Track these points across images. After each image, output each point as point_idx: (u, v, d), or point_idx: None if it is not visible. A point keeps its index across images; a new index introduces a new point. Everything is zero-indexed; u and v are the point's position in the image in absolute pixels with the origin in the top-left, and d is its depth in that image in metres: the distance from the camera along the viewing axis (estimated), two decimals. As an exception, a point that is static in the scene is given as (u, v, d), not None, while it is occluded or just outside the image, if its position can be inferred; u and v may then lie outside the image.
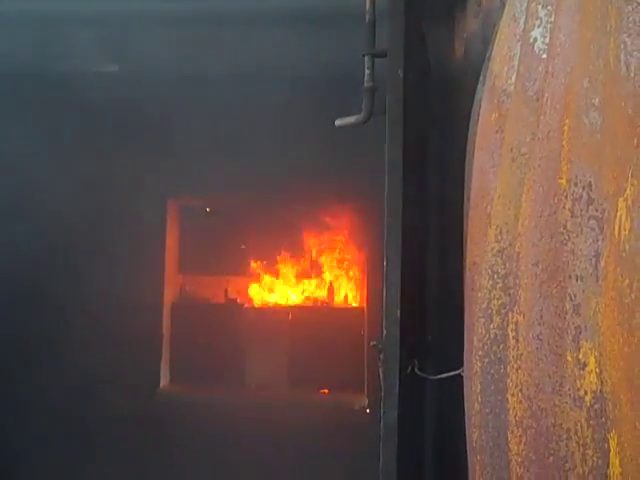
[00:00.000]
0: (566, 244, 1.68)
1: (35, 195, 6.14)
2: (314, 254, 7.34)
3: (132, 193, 6.30)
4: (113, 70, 6.28)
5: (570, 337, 1.65)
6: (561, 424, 1.68)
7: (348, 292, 7.27)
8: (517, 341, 1.83)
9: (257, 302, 7.31)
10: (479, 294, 2.05)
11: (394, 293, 3.79)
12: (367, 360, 6.24)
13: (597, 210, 1.62)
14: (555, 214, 1.72)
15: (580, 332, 1.63)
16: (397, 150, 3.84)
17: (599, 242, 1.61)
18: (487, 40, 3.14)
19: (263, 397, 6.70)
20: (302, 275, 7.35)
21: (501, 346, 1.95)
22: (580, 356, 1.62)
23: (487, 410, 2.01)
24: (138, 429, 6.18)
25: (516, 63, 2.04)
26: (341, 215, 7.11)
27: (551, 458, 1.71)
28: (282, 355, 6.89)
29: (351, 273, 7.29)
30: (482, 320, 2.02)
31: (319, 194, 6.46)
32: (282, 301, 7.31)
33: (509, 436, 1.86)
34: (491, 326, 1.99)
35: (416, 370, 3.92)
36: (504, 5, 2.23)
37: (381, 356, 3.84)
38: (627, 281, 1.47)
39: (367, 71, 4.26)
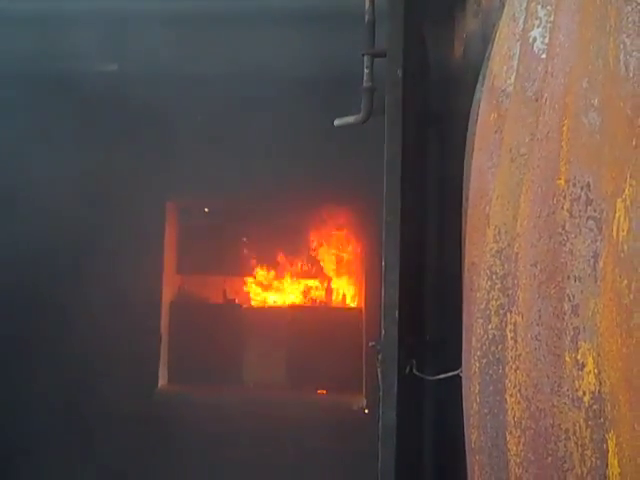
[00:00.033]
0: (565, 245, 1.68)
1: (34, 195, 6.14)
2: (312, 254, 7.33)
3: (132, 193, 6.29)
4: (113, 69, 6.28)
5: (568, 338, 1.65)
6: (560, 425, 1.68)
7: (346, 292, 7.26)
8: (515, 342, 1.83)
9: (255, 302, 7.31)
10: (477, 294, 2.05)
11: (393, 293, 3.80)
12: (366, 360, 6.23)
13: (596, 211, 1.62)
14: (554, 215, 1.72)
15: (578, 333, 1.63)
16: (396, 150, 3.85)
17: (597, 243, 1.61)
18: (486, 40, 3.14)
19: (261, 397, 6.70)
20: (300, 275, 7.34)
21: (499, 347, 1.94)
22: (578, 357, 1.62)
23: (486, 410, 2.01)
24: (137, 428, 6.18)
25: (515, 63, 2.03)
26: (340, 215, 7.10)
27: (550, 458, 1.71)
28: (280, 355, 6.89)
29: (350, 273, 7.28)
30: (480, 321, 2.02)
31: (317, 194, 6.46)
32: (280, 301, 7.31)
33: (508, 436, 1.86)
34: (489, 327, 1.99)
35: (414, 370, 3.92)
36: (503, 5, 2.22)
37: (379, 356, 3.84)
38: (625, 282, 1.47)
39: (366, 71, 4.26)
